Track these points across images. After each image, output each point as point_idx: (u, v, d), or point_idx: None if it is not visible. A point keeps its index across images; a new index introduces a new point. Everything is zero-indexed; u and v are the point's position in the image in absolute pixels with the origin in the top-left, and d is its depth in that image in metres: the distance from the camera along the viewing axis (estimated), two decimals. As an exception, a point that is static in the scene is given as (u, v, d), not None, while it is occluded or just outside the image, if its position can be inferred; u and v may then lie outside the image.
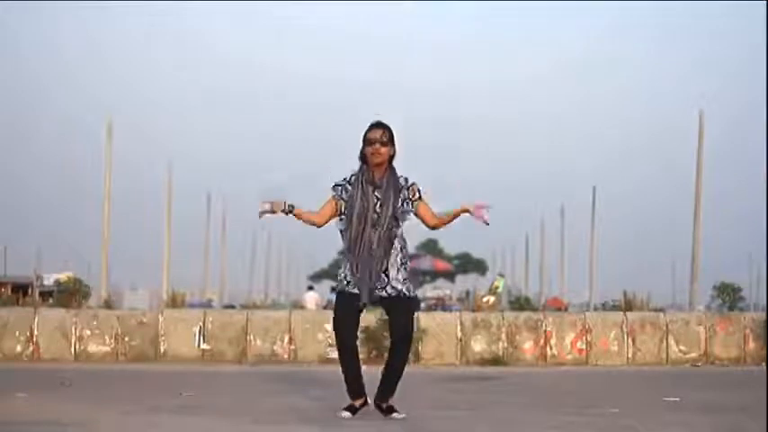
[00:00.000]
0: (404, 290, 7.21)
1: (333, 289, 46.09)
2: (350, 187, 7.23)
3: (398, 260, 7.23)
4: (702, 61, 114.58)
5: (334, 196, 7.26)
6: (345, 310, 7.24)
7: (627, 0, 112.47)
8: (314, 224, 7.28)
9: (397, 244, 7.22)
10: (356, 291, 7.18)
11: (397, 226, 7.21)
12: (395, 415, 7.23)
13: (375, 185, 7.21)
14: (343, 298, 7.25)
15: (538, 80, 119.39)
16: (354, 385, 7.33)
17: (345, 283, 7.23)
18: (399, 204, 7.20)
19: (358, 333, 7.38)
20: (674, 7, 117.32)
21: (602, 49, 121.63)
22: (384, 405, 7.30)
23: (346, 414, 7.27)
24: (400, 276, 7.21)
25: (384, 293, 7.18)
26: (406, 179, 7.29)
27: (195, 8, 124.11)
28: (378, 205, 7.17)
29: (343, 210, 7.23)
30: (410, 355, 14.32)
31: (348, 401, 7.36)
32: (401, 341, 7.24)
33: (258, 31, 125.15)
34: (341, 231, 7.28)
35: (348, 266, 7.21)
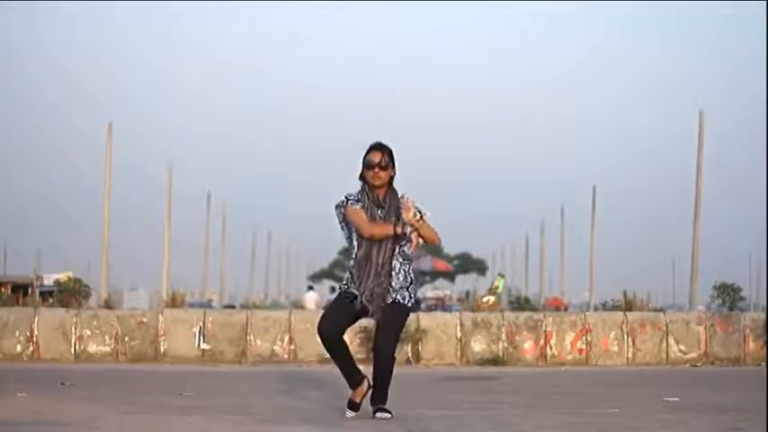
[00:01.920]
0: (398, 297, 7.20)
1: (333, 289, 45.85)
2: (358, 205, 7.25)
3: (402, 270, 7.24)
4: (703, 61, 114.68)
5: (359, 207, 7.23)
6: (334, 307, 7.28)
7: (626, 0, 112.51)
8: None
9: (401, 258, 7.22)
10: (357, 296, 7.18)
11: (402, 244, 7.21)
12: (378, 414, 7.20)
13: (380, 205, 7.24)
14: (341, 297, 7.26)
15: (538, 82, 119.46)
16: (351, 377, 7.32)
17: (347, 287, 7.24)
18: (401, 224, 7.19)
19: (355, 334, 7.35)
20: (675, 8, 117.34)
21: (602, 51, 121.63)
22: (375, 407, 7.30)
23: (350, 413, 7.27)
24: (397, 285, 7.20)
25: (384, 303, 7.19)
26: (407, 198, 7.27)
27: (196, 11, 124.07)
28: None
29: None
30: (410, 355, 14.43)
31: (349, 397, 7.35)
32: (382, 352, 7.17)
33: (259, 35, 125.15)
34: (349, 243, 7.30)
35: (354, 281, 7.21)
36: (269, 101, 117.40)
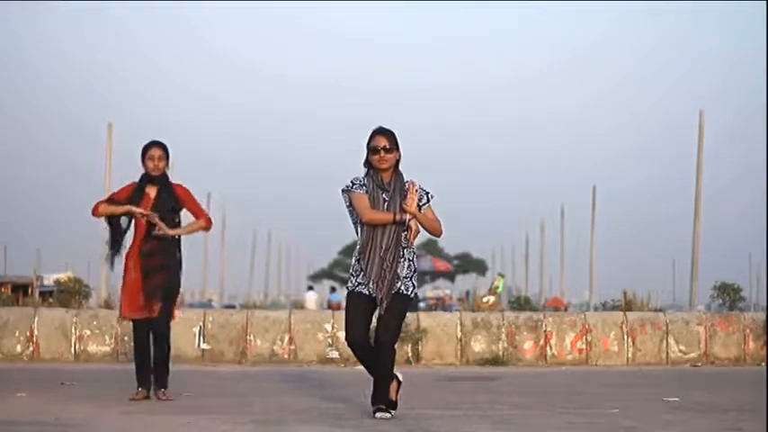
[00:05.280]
0: (401, 287, 7.20)
1: (333, 289, 45.65)
2: (362, 189, 7.25)
3: (406, 259, 7.24)
4: (703, 61, 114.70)
5: (363, 192, 7.24)
6: (356, 311, 7.24)
7: (625, 0, 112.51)
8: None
9: (404, 244, 7.22)
10: (366, 291, 7.19)
11: (406, 228, 7.21)
12: (378, 414, 7.20)
13: (384, 189, 7.23)
14: (354, 298, 7.26)
15: (538, 80, 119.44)
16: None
17: (356, 283, 7.25)
18: (401, 211, 7.20)
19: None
20: (674, 7, 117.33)
21: (602, 49, 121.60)
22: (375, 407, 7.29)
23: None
24: (402, 273, 7.21)
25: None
26: (412, 182, 7.29)
27: (196, 10, 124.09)
28: (386, 208, 7.19)
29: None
30: (410, 355, 14.43)
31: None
32: (383, 346, 7.19)
33: (259, 34, 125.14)
34: (355, 227, 7.30)
35: (360, 268, 7.22)
36: (269, 100, 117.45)
